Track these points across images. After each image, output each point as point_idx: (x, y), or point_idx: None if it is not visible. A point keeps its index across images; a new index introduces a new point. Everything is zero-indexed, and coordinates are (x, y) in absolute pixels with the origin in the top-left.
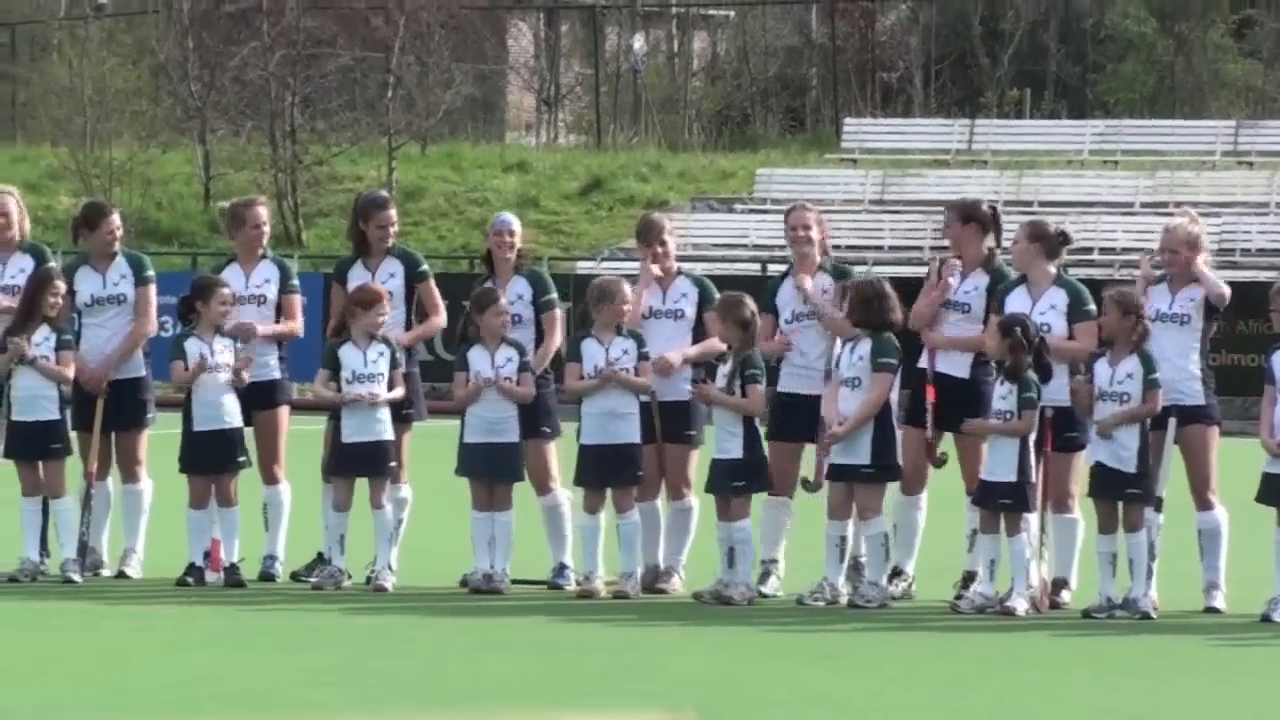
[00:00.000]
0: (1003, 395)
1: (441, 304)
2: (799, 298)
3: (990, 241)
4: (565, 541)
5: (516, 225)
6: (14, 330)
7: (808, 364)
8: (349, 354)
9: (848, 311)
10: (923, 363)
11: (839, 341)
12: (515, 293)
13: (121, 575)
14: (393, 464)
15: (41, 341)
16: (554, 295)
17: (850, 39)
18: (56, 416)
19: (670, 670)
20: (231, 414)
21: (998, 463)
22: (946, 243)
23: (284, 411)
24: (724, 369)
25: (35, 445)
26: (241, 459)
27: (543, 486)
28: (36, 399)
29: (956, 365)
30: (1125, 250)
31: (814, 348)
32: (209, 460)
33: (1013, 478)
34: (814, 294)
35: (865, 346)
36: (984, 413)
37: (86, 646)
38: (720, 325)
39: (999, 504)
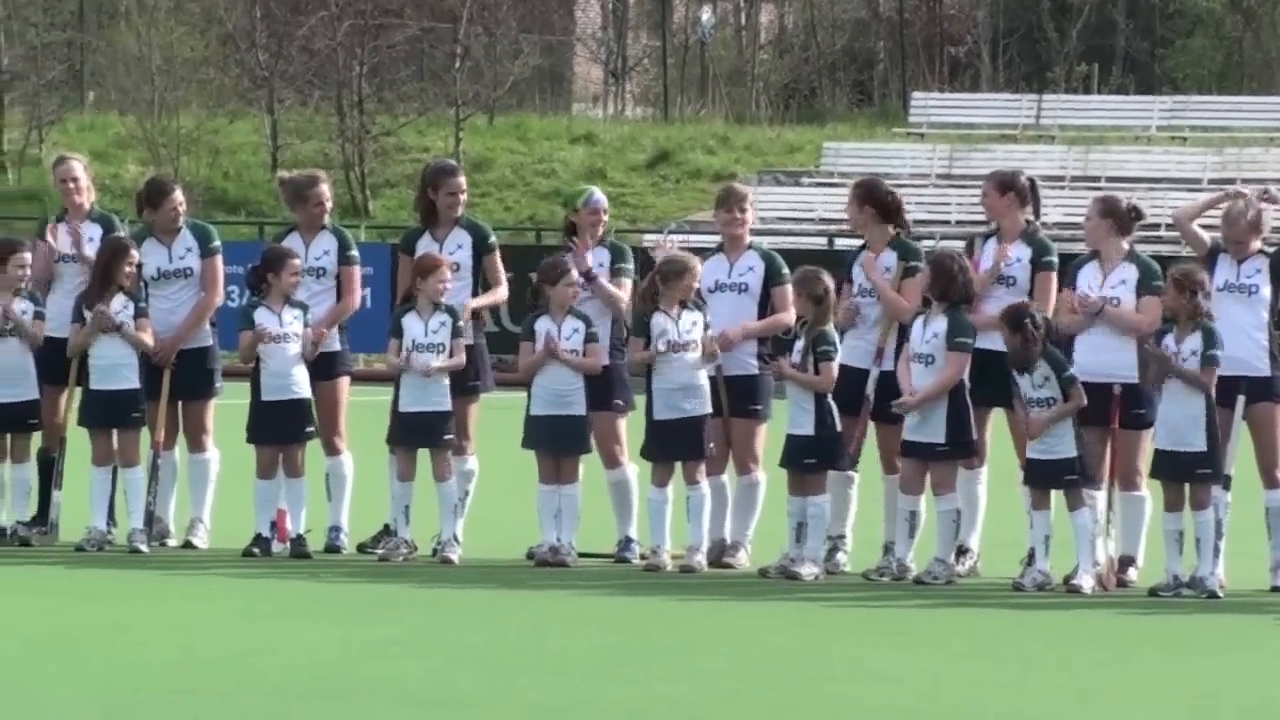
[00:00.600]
0: (1038, 384)
1: (504, 276)
2: (863, 272)
3: (1028, 213)
4: (632, 515)
5: (606, 203)
6: (90, 299)
7: (863, 338)
8: (411, 323)
9: (926, 285)
10: None
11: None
12: (596, 261)
13: (188, 545)
14: (449, 435)
15: (120, 310)
16: (631, 265)
17: (918, 12)
18: (136, 385)
19: (736, 645)
20: (300, 384)
21: (1052, 441)
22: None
23: (344, 382)
24: (798, 344)
25: (113, 413)
26: (310, 429)
27: (612, 460)
28: (117, 367)
29: (996, 339)
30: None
31: (875, 323)
32: (277, 430)
33: (1071, 453)
34: (873, 271)
35: (940, 324)
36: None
37: (152, 616)
38: (796, 299)
39: (1062, 480)
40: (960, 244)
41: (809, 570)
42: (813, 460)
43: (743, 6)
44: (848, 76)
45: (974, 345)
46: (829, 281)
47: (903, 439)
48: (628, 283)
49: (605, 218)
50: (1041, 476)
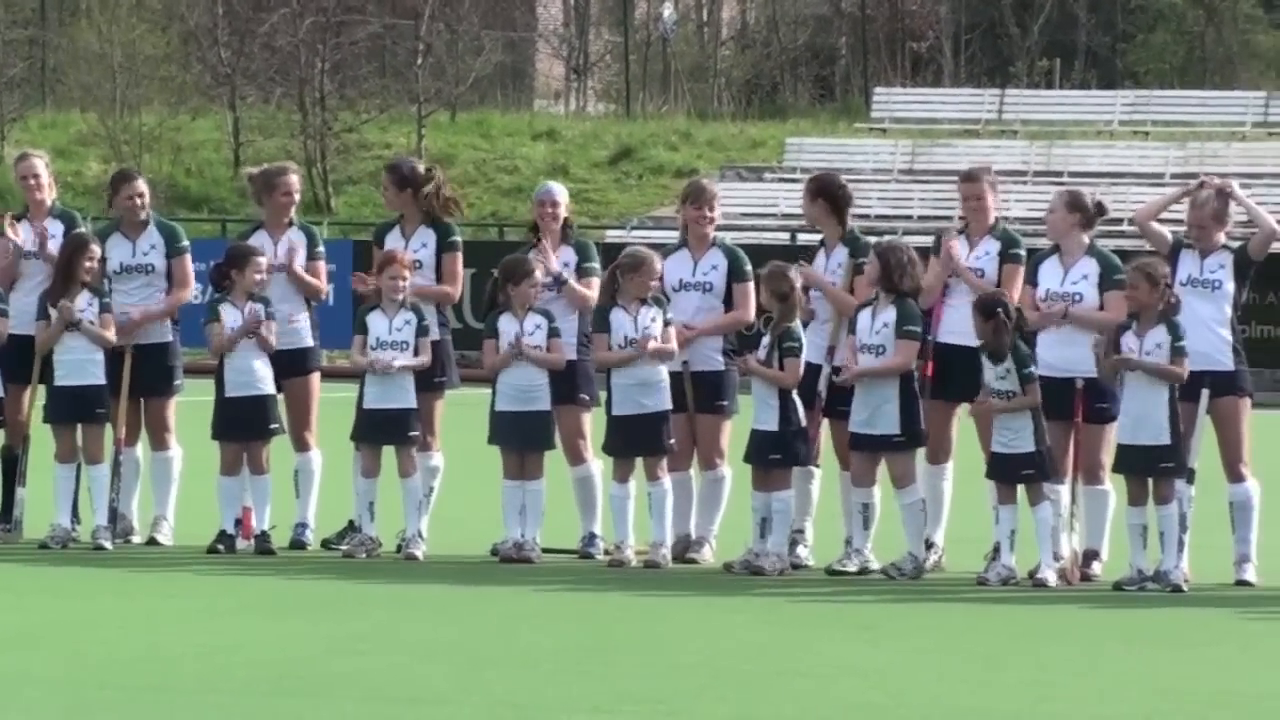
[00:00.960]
0: (1000, 375)
1: (460, 277)
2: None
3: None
4: (596, 510)
5: (561, 194)
6: (54, 296)
7: (817, 333)
8: (375, 320)
9: (873, 277)
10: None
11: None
12: (562, 260)
13: (153, 542)
14: (414, 432)
15: (85, 307)
16: (597, 264)
17: (880, 8)
18: (101, 381)
19: (702, 640)
20: (264, 380)
21: (1012, 435)
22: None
23: (315, 378)
24: (764, 340)
25: (78, 409)
26: (274, 426)
27: (576, 456)
28: (82, 363)
29: (967, 335)
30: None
31: (827, 320)
32: (241, 427)
33: (1029, 448)
34: (813, 272)
35: (890, 314)
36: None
37: (117, 613)
38: (762, 295)
39: (1020, 475)
40: (927, 239)
41: (773, 564)
42: (778, 456)
43: (704, 2)
44: (810, 72)
45: (922, 332)
46: (795, 278)
47: (851, 432)
48: (595, 281)
49: (561, 210)
50: (1004, 471)
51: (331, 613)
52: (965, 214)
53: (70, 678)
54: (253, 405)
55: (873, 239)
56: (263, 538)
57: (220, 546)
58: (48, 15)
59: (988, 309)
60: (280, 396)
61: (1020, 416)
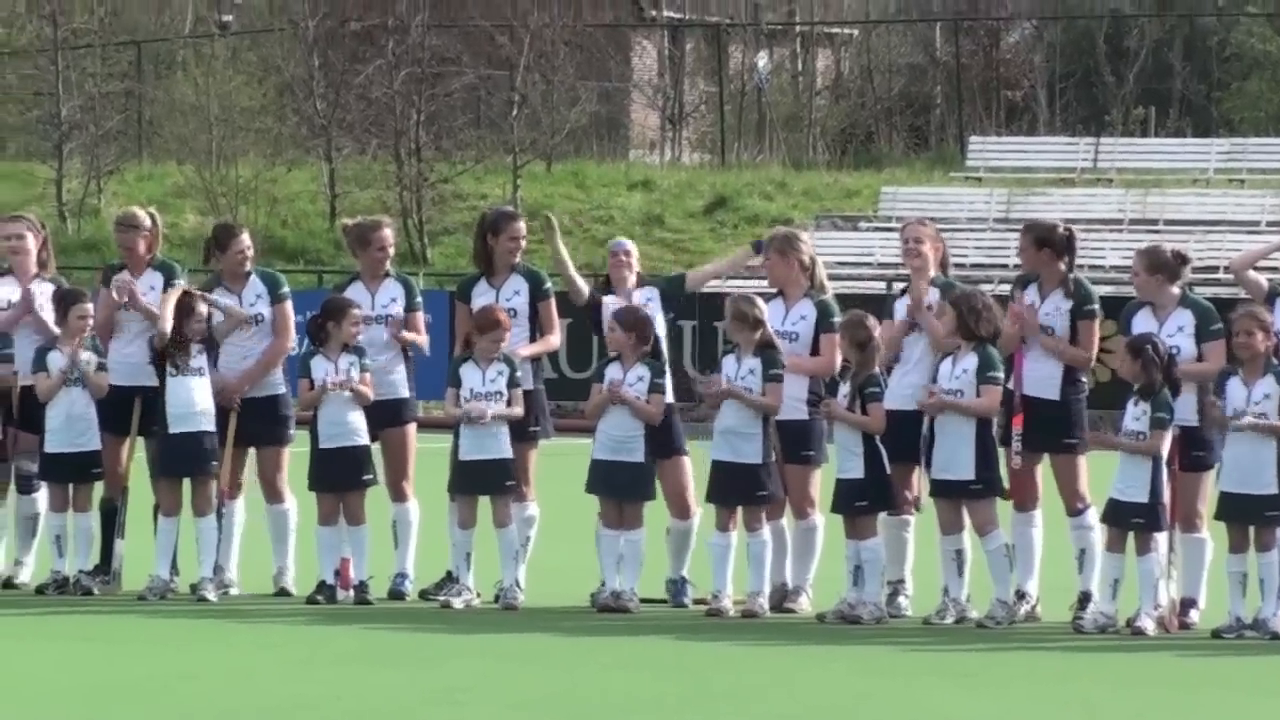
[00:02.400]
0: (1136, 416)
1: (558, 323)
2: (908, 309)
3: (1064, 265)
4: (686, 558)
5: (630, 246)
6: (169, 354)
7: (906, 378)
8: (469, 372)
9: (950, 325)
10: (1013, 386)
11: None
12: (644, 298)
13: (283, 593)
14: (510, 482)
15: (195, 356)
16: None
17: (975, 57)
18: (211, 429)
19: (799, 689)
20: (358, 431)
21: (1129, 482)
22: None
23: (411, 429)
24: (844, 388)
25: (189, 462)
26: (368, 476)
27: (681, 510)
28: (192, 414)
29: (1046, 387)
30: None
31: (922, 360)
32: (336, 478)
33: (1145, 498)
34: (921, 297)
35: (970, 360)
36: (1076, 432)
37: (217, 664)
38: (841, 344)
39: (1131, 523)
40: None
41: (870, 613)
42: (864, 503)
43: (799, 52)
44: (904, 121)
45: (1003, 379)
46: (873, 326)
47: (932, 478)
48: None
49: (633, 261)
50: (1116, 517)
51: (429, 663)
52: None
53: None
54: (347, 456)
55: (986, 288)
56: (361, 588)
57: (320, 597)
58: (144, 68)
59: (1136, 347)
60: (377, 447)
61: (1140, 464)
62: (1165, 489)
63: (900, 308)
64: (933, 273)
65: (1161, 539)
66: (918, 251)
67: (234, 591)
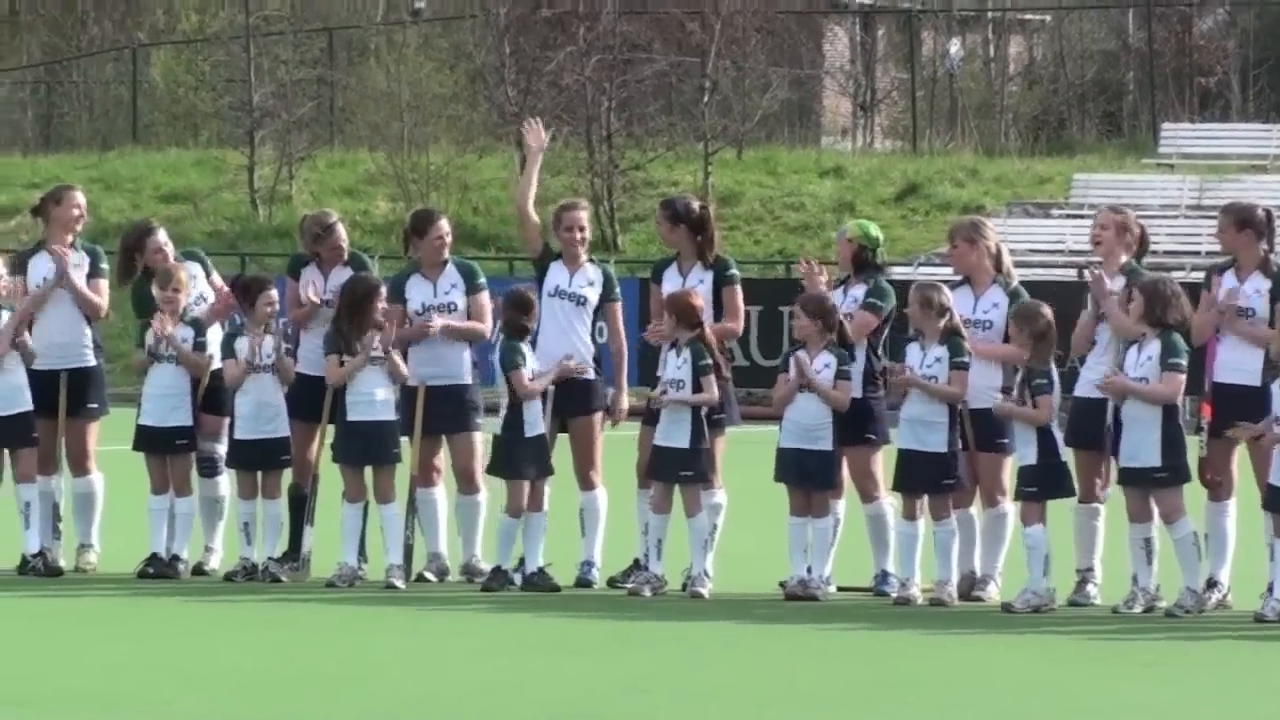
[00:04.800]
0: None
1: (741, 311)
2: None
3: (1264, 245)
4: (888, 549)
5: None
6: (344, 338)
7: (1098, 364)
8: (668, 358)
9: (1138, 312)
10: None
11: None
12: (851, 297)
13: (472, 581)
14: (688, 471)
15: (375, 347)
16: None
17: (1167, 43)
18: (391, 418)
19: (985, 677)
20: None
21: None
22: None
23: (599, 417)
24: (1016, 378)
25: (370, 450)
26: (547, 470)
27: (866, 495)
28: (372, 402)
29: (1246, 374)
30: None
31: (1109, 347)
32: (523, 466)
33: None
34: (1103, 285)
35: (1154, 347)
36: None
37: (403, 652)
38: (1016, 333)
39: None
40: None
41: (1022, 601)
42: (1033, 489)
43: (991, 39)
44: (1097, 108)
45: (1187, 366)
46: (1049, 316)
47: (1120, 467)
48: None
49: (854, 246)
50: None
51: (616, 652)
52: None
53: (356, 718)
54: (532, 445)
55: (1176, 276)
56: (540, 574)
57: (495, 584)
58: (336, 55)
59: None
60: (564, 435)
61: None
62: None
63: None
64: (1122, 260)
65: None
66: (1099, 239)
67: (450, 578)
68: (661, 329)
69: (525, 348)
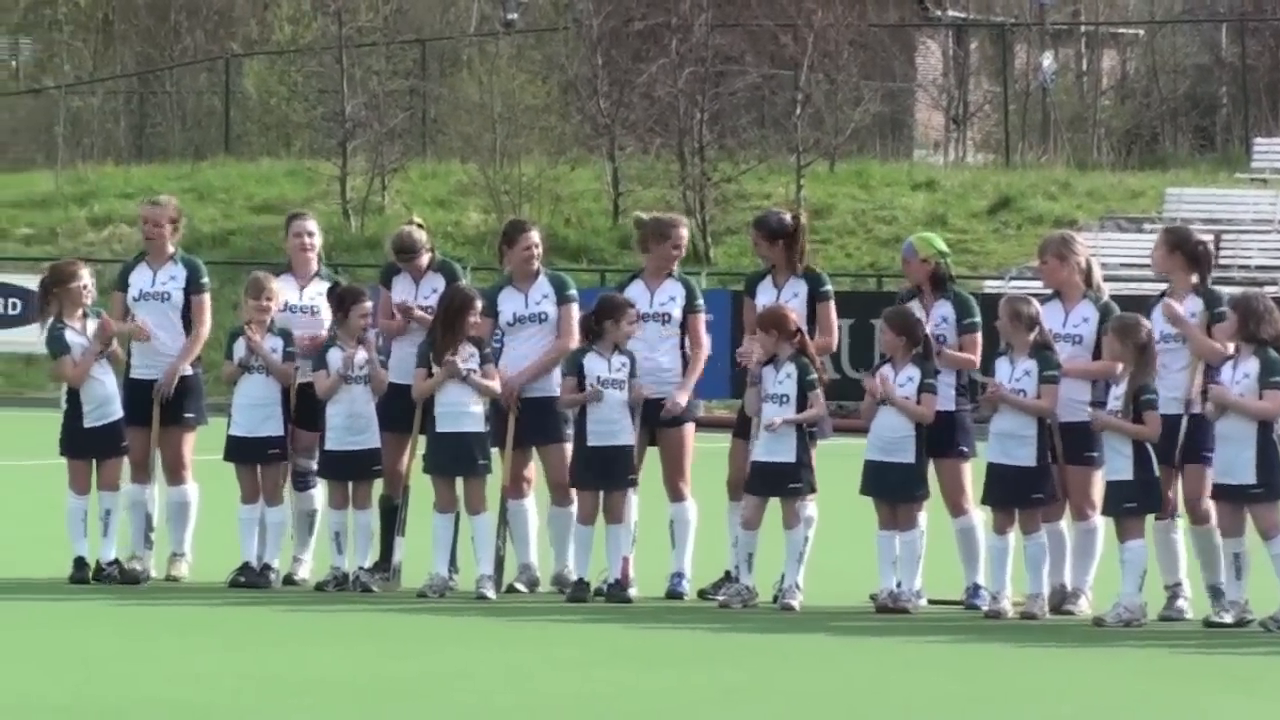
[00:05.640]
0: None
1: (835, 325)
2: (1166, 319)
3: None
4: (978, 562)
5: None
6: (437, 350)
7: (1165, 386)
8: (768, 374)
9: (1231, 329)
10: None
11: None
12: (940, 316)
13: (562, 591)
14: (796, 483)
15: (467, 359)
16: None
17: (1261, 57)
18: (480, 430)
19: (1077, 692)
20: (623, 431)
21: None
22: None
23: (690, 429)
24: (1116, 390)
25: (459, 461)
26: (631, 477)
27: (956, 508)
28: (462, 414)
29: None
30: None
31: (1181, 371)
32: (600, 476)
33: None
34: (1179, 313)
35: (1251, 364)
36: None
37: (495, 663)
38: (1117, 346)
39: None
40: None
41: (1113, 615)
42: (1132, 504)
43: (1084, 52)
44: (1190, 122)
45: None
46: (1150, 327)
47: (1215, 483)
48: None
49: (930, 264)
50: None
51: (706, 663)
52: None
53: None
54: (614, 454)
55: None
56: (616, 586)
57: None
58: (428, 66)
59: None
60: (654, 448)
61: None
62: None
63: (1156, 311)
64: (1192, 280)
65: None
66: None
67: (541, 589)
68: (754, 351)
69: (592, 356)
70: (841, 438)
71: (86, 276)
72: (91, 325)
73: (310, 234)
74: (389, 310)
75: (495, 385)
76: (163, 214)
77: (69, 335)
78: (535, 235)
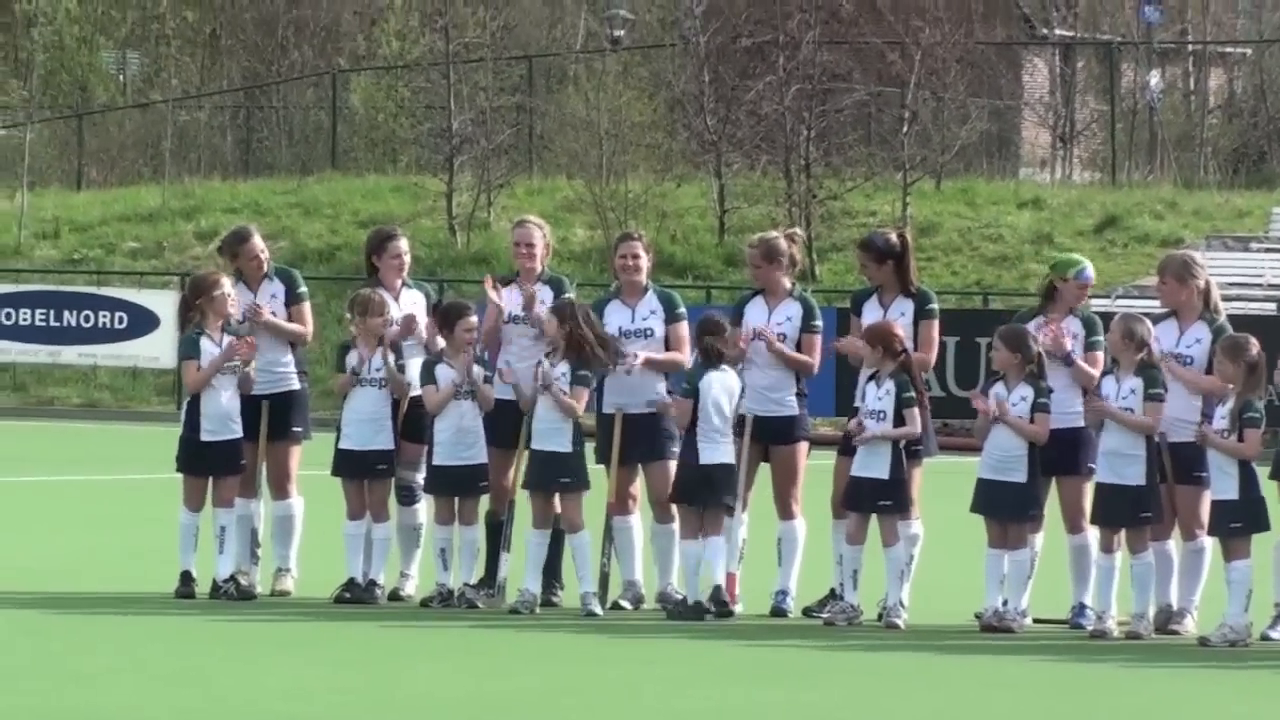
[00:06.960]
0: None
1: (935, 343)
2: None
3: None
4: (1088, 582)
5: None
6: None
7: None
8: (869, 389)
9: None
10: None
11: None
12: (1072, 332)
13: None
14: (887, 501)
15: (560, 376)
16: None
17: None
18: (566, 448)
19: (1181, 712)
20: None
21: None
22: None
23: (802, 447)
24: (1222, 409)
25: (549, 478)
26: (729, 499)
27: (1075, 526)
28: (555, 430)
29: None
30: None
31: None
32: (700, 492)
33: None
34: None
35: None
36: None
37: (597, 680)
38: (1227, 365)
39: None
40: None
41: (1218, 635)
42: (1238, 524)
43: (1191, 71)
44: None
45: None
46: (1259, 346)
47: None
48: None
49: (1087, 294)
50: None
51: (808, 680)
52: None
53: None
54: (715, 472)
55: None
56: (716, 592)
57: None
58: (535, 82)
59: None
60: (767, 464)
61: None
62: None
63: None
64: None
65: None
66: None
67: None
68: (857, 346)
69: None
70: (946, 455)
71: (228, 285)
72: (227, 338)
73: (407, 253)
74: (495, 325)
75: (578, 406)
76: (255, 246)
77: (203, 342)
78: (638, 246)
